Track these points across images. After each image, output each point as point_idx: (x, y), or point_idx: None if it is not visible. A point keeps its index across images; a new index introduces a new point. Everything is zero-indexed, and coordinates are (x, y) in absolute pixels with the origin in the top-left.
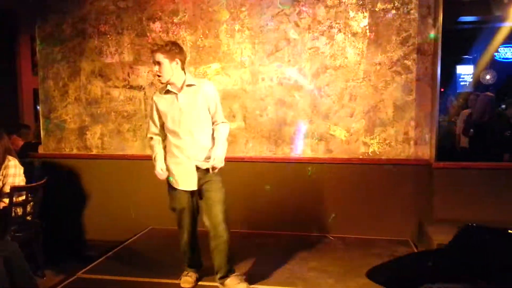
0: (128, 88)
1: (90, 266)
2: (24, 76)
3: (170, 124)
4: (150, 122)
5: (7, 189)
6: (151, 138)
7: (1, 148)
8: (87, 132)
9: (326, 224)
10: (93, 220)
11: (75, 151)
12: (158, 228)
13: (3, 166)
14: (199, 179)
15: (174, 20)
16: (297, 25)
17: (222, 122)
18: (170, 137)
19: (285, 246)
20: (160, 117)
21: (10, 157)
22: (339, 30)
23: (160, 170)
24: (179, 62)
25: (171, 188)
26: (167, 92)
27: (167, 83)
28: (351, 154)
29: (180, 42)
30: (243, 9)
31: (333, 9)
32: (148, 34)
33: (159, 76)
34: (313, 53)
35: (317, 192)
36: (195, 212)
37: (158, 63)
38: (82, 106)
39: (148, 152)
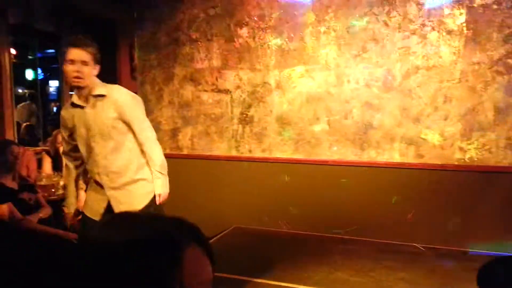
0: (216, 91)
1: None
2: (123, 81)
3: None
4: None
5: None
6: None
7: None
8: (179, 134)
9: (415, 233)
10: (182, 216)
11: (168, 151)
12: (242, 227)
13: None
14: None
15: (261, 25)
16: (387, 25)
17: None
18: None
19: (371, 254)
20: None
21: None
22: (433, 29)
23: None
24: (97, 68)
25: None
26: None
27: (84, 88)
28: (445, 160)
29: (265, 46)
30: (329, 10)
31: (426, 6)
32: (236, 39)
33: (79, 78)
34: (404, 53)
35: (406, 199)
36: None
37: (83, 63)
38: (174, 109)
39: (234, 153)
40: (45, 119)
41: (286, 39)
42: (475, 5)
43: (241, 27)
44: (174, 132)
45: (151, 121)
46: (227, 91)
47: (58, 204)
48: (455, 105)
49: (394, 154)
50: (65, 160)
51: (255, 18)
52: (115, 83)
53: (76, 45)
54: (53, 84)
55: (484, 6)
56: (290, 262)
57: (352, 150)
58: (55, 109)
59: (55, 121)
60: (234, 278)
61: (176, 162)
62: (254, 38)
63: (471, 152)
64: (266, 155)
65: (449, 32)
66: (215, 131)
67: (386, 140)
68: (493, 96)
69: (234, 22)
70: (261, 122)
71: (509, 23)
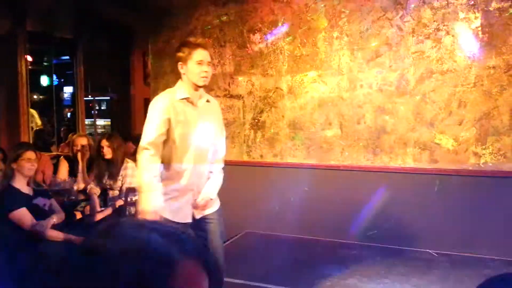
0: (229, 97)
1: None
2: (136, 86)
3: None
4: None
5: (125, 189)
6: None
7: (120, 152)
8: None
9: (430, 239)
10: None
11: None
12: (254, 232)
13: (122, 167)
14: None
15: (273, 31)
16: (400, 29)
17: None
18: None
19: (384, 260)
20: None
21: (128, 160)
22: (447, 33)
23: None
24: None
25: None
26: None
27: (201, 88)
28: (460, 165)
29: (278, 51)
30: (343, 15)
31: (440, 10)
32: (248, 45)
33: (206, 78)
34: (418, 58)
35: (419, 204)
36: None
37: (209, 63)
38: None
39: (245, 158)
40: (59, 125)
41: (299, 45)
42: (490, 8)
43: (254, 33)
44: None
45: None
46: (239, 97)
47: (72, 209)
48: (470, 109)
49: (407, 159)
50: (151, 152)
51: (268, 24)
52: (129, 89)
53: (204, 46)
54: (68, 90)
55: (500, 10)
56: (301, 267)
57: (364, 155)
58: (69, 114)
59: (69, 127)
60: (245, 284)
61: None
62: (266, 43)
63: (486, 157)
64: (277, 160)
65: (464, 36)
66: (227, 136)
67: (400, 145)
68: (508, 100)
69: (247, 28)
70: (273, 127)
71: None
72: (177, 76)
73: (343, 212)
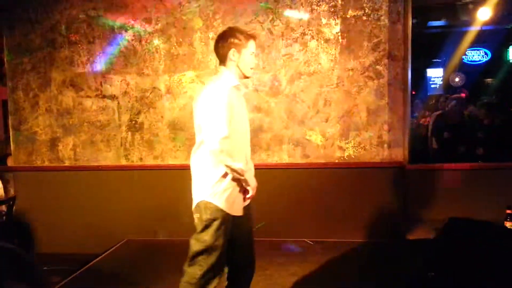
0: (101, 97)
1: (66, 280)
2: None
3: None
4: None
5: None
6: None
7: None
8: (59, 144)
9: (304, 229)
10: (68, 233)
11: (46, 163)
12: (135, 240)
13: None
14: None
15: (147, 29)
16: (271, 33)
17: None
18: None
19: (264, 252)
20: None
21: None
22: (312, 37)
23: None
24: None
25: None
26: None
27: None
28: (328, 158)
29: (153, 50)
30: (217, 17)
31: (306, 16)
32: (120, 42)
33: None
34: (287, 60)
35: (294, 197)
36: None
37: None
38: (53, 117)
39: (123, 162)
40: None
41: (175, 44)
42: (348, 15)
43: (126, 30)
44: (53, 142)
45: (25, 131)
46: (113, 97)
47: None
48: (334, 107)
49: (283, 155)
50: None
51: (141, 21)
52: None
53: (256, 38)
54: None
55: (356, 17)
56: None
57: None
58: None
59: None
60: None
61: (57, 175)
62: (140, 41)
63: (349, 151)
64: (158, 162)
65: (327, 41)
66: (101, 140)
67: (275, 142)
68: (365, 99)
69: (118, 24)
70: (152, 129)
71: (376, 33)
72: (40, 74)
73: None
